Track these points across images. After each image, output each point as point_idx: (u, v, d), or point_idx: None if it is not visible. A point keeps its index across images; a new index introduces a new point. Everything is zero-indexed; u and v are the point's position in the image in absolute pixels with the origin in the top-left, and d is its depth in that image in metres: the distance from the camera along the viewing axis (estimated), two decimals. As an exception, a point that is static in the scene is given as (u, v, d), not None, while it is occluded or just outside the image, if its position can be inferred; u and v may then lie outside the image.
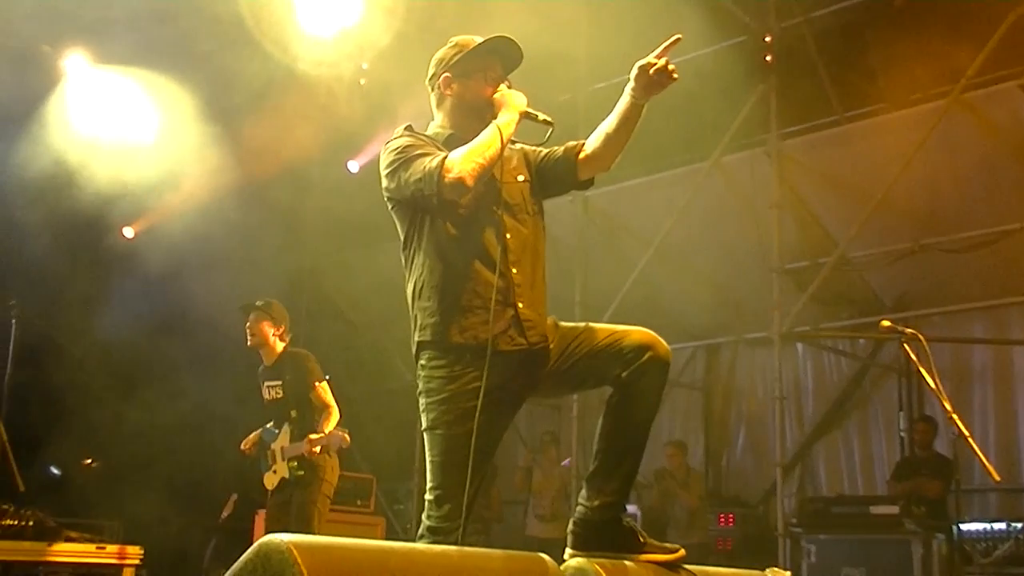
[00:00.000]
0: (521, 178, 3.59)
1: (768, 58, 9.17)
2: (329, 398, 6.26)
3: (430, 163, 3.28)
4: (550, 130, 3.53)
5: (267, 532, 6.13)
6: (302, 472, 6.10)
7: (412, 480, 11.55)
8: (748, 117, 9.12)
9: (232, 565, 2.39)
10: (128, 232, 10.58)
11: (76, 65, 9.28)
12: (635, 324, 3.47)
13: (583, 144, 3.62)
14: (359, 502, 9.03)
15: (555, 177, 3.65)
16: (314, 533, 5.63)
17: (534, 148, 3.68)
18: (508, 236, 3.43)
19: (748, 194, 9.33)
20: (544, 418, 11.56)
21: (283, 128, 9.49)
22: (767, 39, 9.23)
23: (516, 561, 2.84)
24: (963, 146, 8.30)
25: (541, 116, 3.51)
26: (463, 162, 3.24)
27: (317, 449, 6.01)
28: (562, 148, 3.65)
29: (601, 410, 3.46)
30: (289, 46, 8.71)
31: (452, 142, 3.41)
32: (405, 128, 3.51)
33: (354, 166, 11.02)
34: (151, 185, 9.54)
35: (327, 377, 6.35)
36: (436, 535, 3.28)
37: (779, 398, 8.92)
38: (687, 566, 3.36)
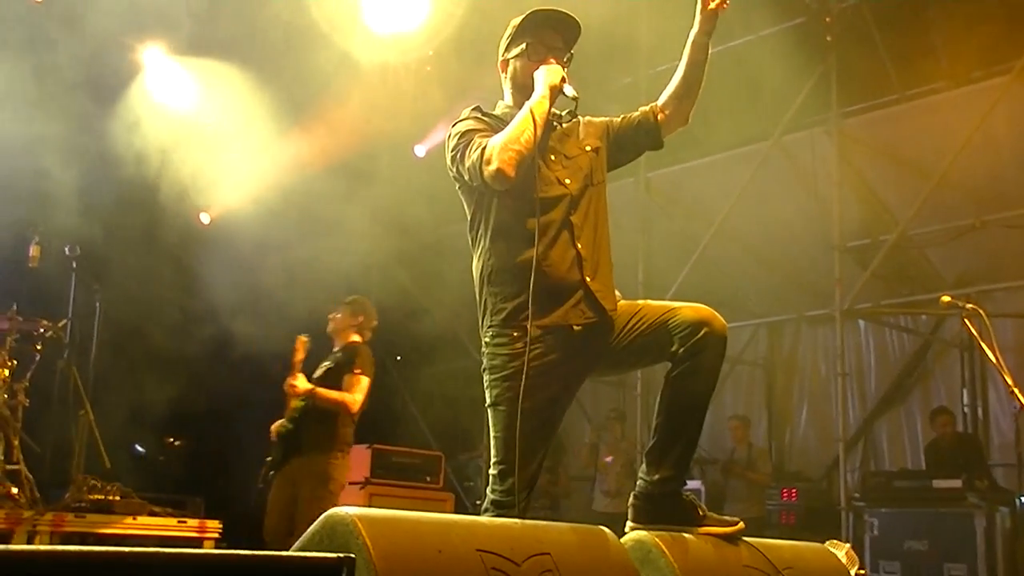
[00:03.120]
0: (589, 148, 3.57)
1: (828, 38, 9.02)
2: (357, 389, 6.15)
3: (475, 153, 3.28)
4: (575, 105, 3.48)
5: (268, 525, 6.17)
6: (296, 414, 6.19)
7: (480, 456, 11.60)
8: (808, 96, 8.98)
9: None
10: (205, 218, 10.72)
11: (153, 57, 9.44)
12: (697, 303, 3.44)
13: (659, 105, 3.62)
14: (428, 478, 9.08)
15: (634, 142, 3.68)
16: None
17: (607, 119, 3.66)
18: (572, 213, 3.41)
19: (809, 173, 9.20)
20: (609, 395, 11.54)
21: (351, 116, 9.55)
22: (827, 19, 9.08)
23: (577, 533, 2.84)
24: (1025, 121, 8.10)
25: (570, 92, 3.43)
26: (501, 152, 3.23)
27: (298, 384, 6.03)
28: (639, 112, 3.64)
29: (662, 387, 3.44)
30: (357, 34, 8.75)
31: None
32: (472, 109, 3.51)
33: (420, 150, 11.05)
34: (226, 172, 9.66)
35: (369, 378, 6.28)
36: (500, 508, 3.29)
37: (841, 374, 8.82)
38: (746, 539, 3.32)
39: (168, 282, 9.73)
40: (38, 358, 6.57)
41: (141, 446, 10.40)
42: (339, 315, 6.49)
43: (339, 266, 9.78)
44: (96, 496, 6.53)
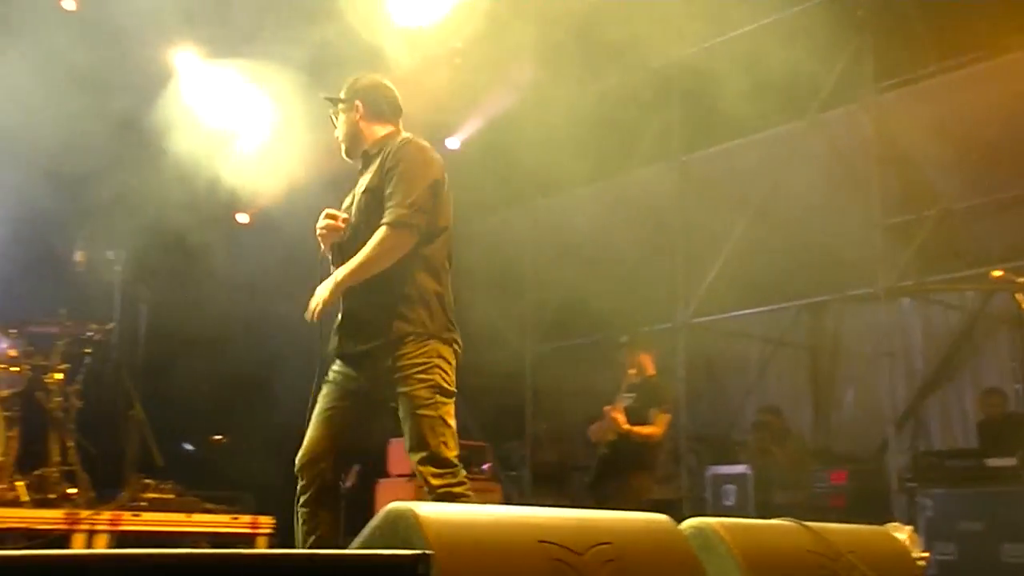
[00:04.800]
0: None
1: (859, 12, 8.89)
2: (659, 423, 7.05)
3: None
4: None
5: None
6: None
7: (525, 446, 11.60)
8: (844, 73, 8.87)
9: (355, 533, 2.41)
10: (242, 218, 10.77)
11: (186, 59, 9.49)
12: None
13: None
14: (475, 469, 9.08)
15: None
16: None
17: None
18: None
19: (847, 150, 9.08)
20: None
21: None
22: (858, -7, 8.96)
23: (638, 522, 2.83)
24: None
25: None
26: None
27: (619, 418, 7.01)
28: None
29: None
30: (384, 29, 8.74)
31: None
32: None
33: (453, 143, 11.04)
34: (262, 172, 9.69)
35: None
36: (461, 499, 3.67)
37: (887, 354, 8.70)
38: (808, 523, 3.27)
39: (209, 282, 9.79)
40: (88, 361, 6.63)
41: (189, 443, 10.47)
42: (632, 352, 7.39)
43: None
44: (151, 495, 6.59)
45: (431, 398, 3.80)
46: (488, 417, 11.01)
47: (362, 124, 4.15)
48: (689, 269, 9.69)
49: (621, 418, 7.00)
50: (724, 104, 8.32)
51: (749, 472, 9.16)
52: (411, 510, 2.33)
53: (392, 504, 2.39)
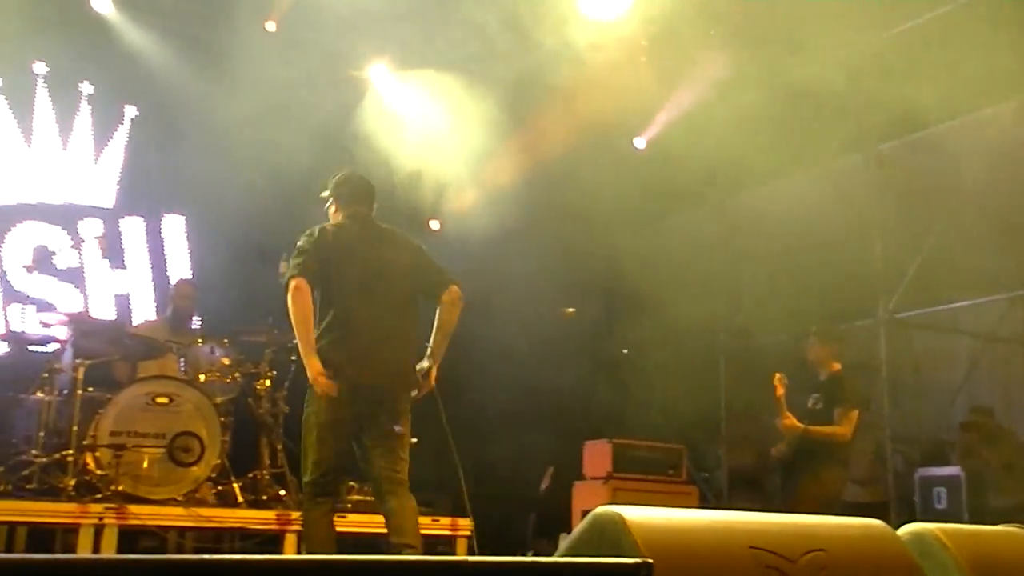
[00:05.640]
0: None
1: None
2: (846, 422, 6.83)
3: (287, 273, 4.99)
4: None
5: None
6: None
7: (720, 447, 11.42)
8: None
9: (552, 537, 2.43)
10: (434, 225, 11.03)
11: (379, 74, 9.83)
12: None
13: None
14: (670, 471, 9.00)
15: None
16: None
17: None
18: None
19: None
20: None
21: (570, 112, 9.60)
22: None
23: (852, 527, 2.74)
24: None
25: None
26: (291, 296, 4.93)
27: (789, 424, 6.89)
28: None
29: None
30: (570, 30, 8.79)
31: None
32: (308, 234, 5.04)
33: (640, 143, 10.99)
34: (452, 178, 9.92)
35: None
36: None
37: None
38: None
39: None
40: (293, 368, 6.92)
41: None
42: (814, 346, 7.18)
43: (558, 261, 9.88)
44: (356, 497, 6.81)
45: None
46: (682, 419, 10.88)
47: (331, 211, 5.27)
48: (889, 261, 9.31)
49: (792, 421, 6.86)
50: (922, 89, 7.97)
51: (961, 474, 8.72)
52: (619, 514, 2.32)
53: (599, 508, 2.39)
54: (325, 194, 5.25)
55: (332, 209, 5.16)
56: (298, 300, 4.68)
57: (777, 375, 6.96)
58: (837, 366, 7.13)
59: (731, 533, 2.46)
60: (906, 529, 2.90)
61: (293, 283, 4.69)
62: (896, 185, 9.68)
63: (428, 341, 4.99)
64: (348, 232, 4.98)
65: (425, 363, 4.94)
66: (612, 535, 2.30)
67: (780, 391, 6.88)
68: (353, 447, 4.96)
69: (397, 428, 4.83)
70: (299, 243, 4.85)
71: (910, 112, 9.21)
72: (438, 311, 4.98)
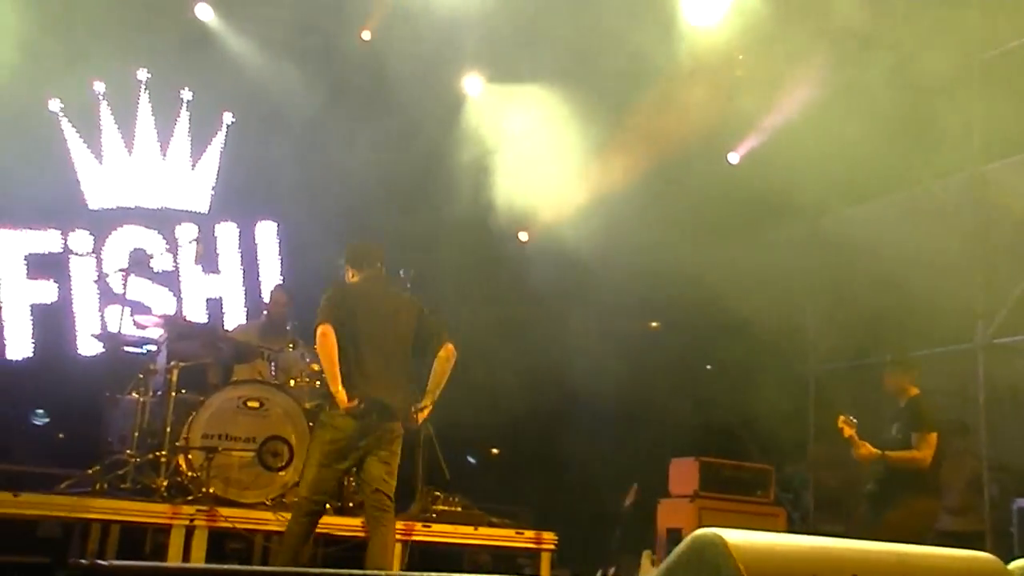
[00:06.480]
0: None
1: None
2: (924, 445, 6.72)
3: (317, 325, 5.59)
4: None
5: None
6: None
7: (807, 470, 11.22)
8: None
9: (636, 553, 2.41)
10: (523, 236, 11.05)
11: (473, 85, 9.91)
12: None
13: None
14: (758, 492, 8.88)
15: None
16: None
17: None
18: None
19: None
20: (947, 406, 10.81)
21: (665, 124, 9.56)
22: None
23: (960, 560, 2.65)
24: None
25: None
26: (320, 344, 5.63)
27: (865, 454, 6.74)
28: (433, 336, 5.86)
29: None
30: (666, 44, 8.77)
31: None
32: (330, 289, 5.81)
33: (734, 158, 10.88)
34: (543, 191, 9.92)
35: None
36: None
37: None
38: None
39: (493, 297, 10.10)
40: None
41: (472, 456, 10.81)
42: (892, 374, 7.09)
43: (651, 276, 9.82)
44: (440, 507, 6.85)
45: None
46: (769, 440, 10.73)
47: (348, 275, 5.96)
48: (990, 286, 9.06)
49: (867, 448, 6.74)
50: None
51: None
52: (720, 537, 2.29)
53: (699, 531, 2.36)
54: (341, 262, 6.01)
55: (349, 273, 5.93)
56: (325, 343, 5.51)
57: (841, 417, 6.89)
58: (915, 391, 7.02)
59: (833, 560, 2.41)
60: (1018, 564, 2.81)
61: (321, 328, 5.53)
62: (999, 207, 9.42)
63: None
64: (361, 290, 5.82)
65: (423, 403, 5.77)
66: (712, 558, 2.27)
67: (848, 432, 6.80)
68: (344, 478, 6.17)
69: (388, 465, 5.61)
70: (324, 296, 5.70)
71: (1016, 132, 8.98)
72: (434, 364, 5.79)
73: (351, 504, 6.83)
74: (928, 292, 9.64)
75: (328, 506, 5.98)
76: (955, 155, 9.74)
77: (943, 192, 9.92)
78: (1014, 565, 2.80)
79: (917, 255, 9.87)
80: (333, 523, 6.40)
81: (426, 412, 5.81)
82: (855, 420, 6.84)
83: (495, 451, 11.67)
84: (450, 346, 5.81)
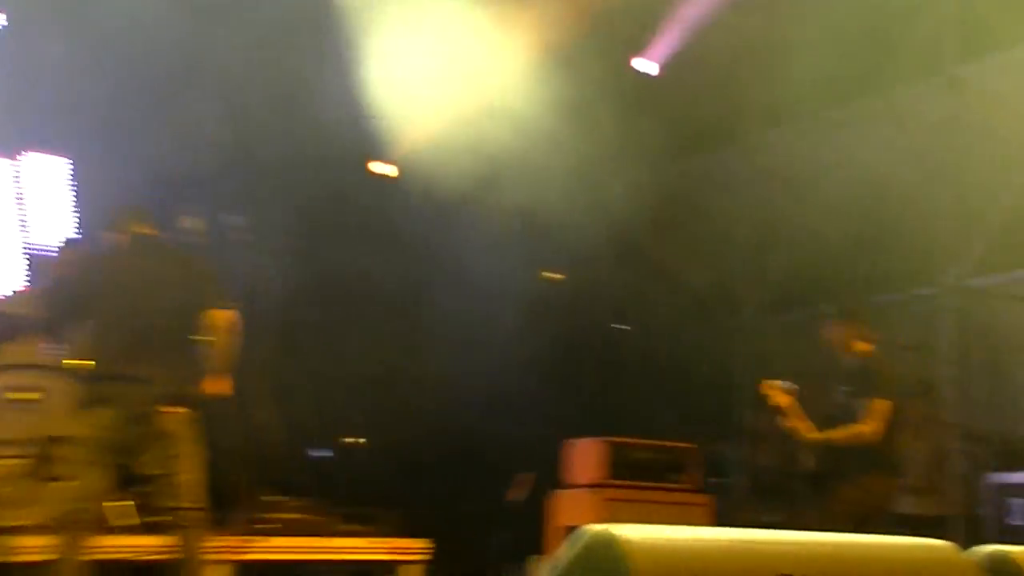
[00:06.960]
0: None
1: None
2: (871, 417, 6.75)
3: None
4: None
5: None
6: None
7: (740, 447, 11.47)
8: None
9: (521, 561, 2.44)
10: (387, 168, 11.03)
11: None
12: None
13: None
14: (680, 477, 9.00)
15: None
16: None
17: None
18: None
19: None
20: (909, 364, 11.15)
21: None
22: None
23: (910, 548, 2.75)
24: None
25: None
26: None
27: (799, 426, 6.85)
28: None
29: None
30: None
31: None
32: None
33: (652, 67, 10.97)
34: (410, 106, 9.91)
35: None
36: None
37: None
38: None
39: (346, 244, 10.09)
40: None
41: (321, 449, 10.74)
42: (835, 327, 7.16)
43: (550, 214, 9.90)
44: (275, 515, 6.79)
45: None
46: (692, 411, 10.91)
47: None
48: (961, 216, 9.34)
49: (802, 425, 6.86)
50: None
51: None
52: (612, 534, 2.32)
53: (588, 526, 2.38)
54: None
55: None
56: None
57: (766, 383, 6.98)
58: (864, 347, 7.10)
59: (754, 556, 2.46)
60: (980, 551, 2.89)
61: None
62: (973, 117, 9.67)
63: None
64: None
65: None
66: (604, 560, 2.30)
67: (783, 401, 6.89)
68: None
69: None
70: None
71: (990, 29, 9.22)
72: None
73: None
74: (888, 226, 9.89)
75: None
76: (925, 57, 9.95)
77: (907, 100, 10.12)
78: (974, 552, 2.87)
79: (873, 180, 10.10)
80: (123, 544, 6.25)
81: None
82: (795, 386, 6.93)
83: (351, 440, 11.55)
84: (227, 313, 5.86)
